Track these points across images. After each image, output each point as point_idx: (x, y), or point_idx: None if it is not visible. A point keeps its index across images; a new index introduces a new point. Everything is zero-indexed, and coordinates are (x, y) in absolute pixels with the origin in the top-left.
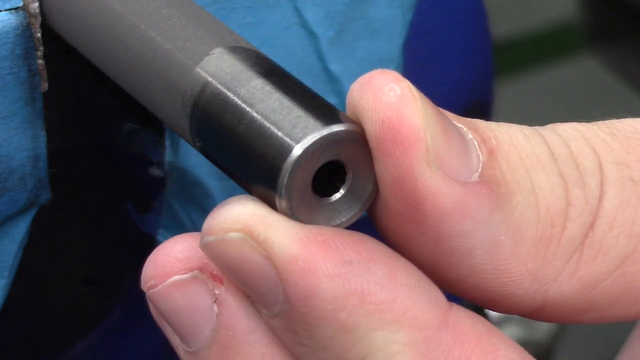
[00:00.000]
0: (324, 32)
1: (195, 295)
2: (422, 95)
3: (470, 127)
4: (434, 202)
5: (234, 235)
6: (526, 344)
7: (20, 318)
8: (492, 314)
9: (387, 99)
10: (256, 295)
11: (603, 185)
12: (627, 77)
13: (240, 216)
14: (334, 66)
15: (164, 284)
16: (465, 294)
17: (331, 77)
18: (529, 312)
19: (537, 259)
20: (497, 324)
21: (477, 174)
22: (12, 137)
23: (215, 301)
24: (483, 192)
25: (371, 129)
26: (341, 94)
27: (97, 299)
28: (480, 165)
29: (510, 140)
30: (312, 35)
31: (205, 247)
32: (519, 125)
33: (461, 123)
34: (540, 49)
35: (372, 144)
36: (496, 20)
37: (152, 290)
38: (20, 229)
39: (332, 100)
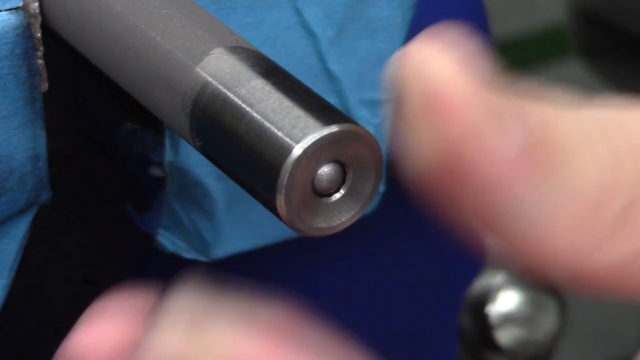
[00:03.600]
0: (324, 32)
1: None
2: (472, 65)
3: (516, 100)
4: (479, 174)
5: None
6: (526, 344)
7: (20, 318)
8: (493, 314)
9: (434, 68)
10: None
11: None
12: (616, 89)
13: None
14: (334, 66)
15: None
16: (505, 257)
17: (331, 77)
18: (566, 282)
19: (580, 230)
20: (498, 324)
21: (523, 148)
22: (12, 137)
23: None
24: (528, 166)
25: (417, 98)
26: (341, 94)
27: (97, 299)
28: (527, 139)
29: (559, 114)
30: (312, 35)
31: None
32: (566, 99)
33: (509, 96)
34: (540, 49)
35: (418, 114)
36: (496, 21)
37: None
38: (20, 229)
39: (332, 100)
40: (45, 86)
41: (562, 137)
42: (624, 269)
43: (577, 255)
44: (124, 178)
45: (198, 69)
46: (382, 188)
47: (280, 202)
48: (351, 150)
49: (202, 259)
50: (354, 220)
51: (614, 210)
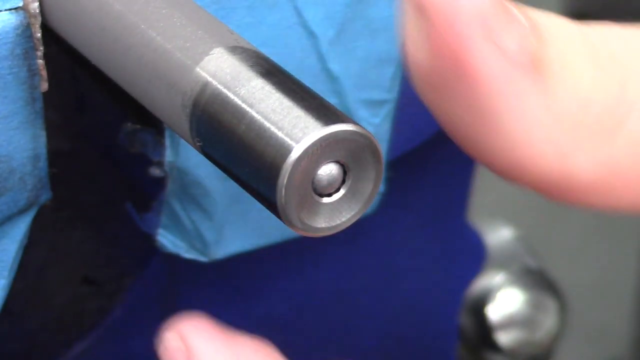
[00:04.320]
0: (324, 32)
1: None
2: None
3: (523, 12)
4: (481, 73)
5: None
6: (526, 344)
7: (20, 318)
8: (493, 314)
9: None
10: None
11: (628, 77)
12: None
13: None
14: (334, 66)
15: None
16: (487, 159)
17: (331, 77)
18: (544, 187)
19: (562, 132)
20: (498, 324)
21: (526, 56)
22: (12, 137)
23: None
24: (529, 72)
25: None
26: (341, 94)
27: (97, 299)
28: (531, 48)
29: (560, 30)
30: (312, 35)
31: None
32: (569, 20)
33: (516, 8)
34: None
35: (425, 13)
36: None
37: None
38: (20, 229)
39: (332, 100)
40: (45, 86)
41: (552, 39)
42: (607, 173)
43: (560, 156)
44: (124, 178)
45: (198, 69)
46: (382, 188)
47: (280, 202)
48: (351, 150)
49: (202, 259)
50: (354, 220)
51: (595, 115)
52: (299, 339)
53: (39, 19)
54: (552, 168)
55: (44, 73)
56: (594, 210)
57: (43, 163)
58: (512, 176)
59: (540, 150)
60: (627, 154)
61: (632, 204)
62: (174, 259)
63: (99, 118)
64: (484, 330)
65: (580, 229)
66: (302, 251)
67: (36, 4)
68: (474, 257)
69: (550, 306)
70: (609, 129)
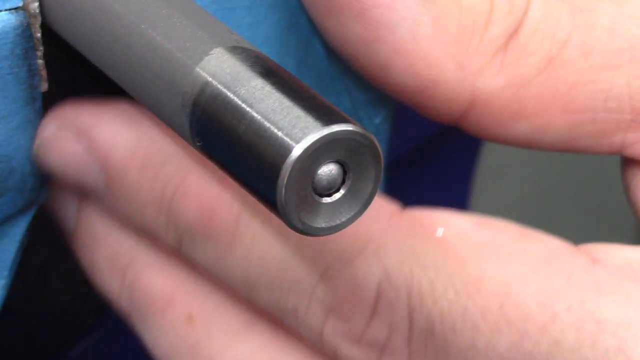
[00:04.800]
0: None
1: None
2: None
3: None
4: None
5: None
6: None
7: (20, 318)
8: None
9: None
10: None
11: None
12: None
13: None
14: (334, 66)
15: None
16: (398, 81)
17: (331, 77)
18: (462, 112)
19: (459, 48)
20: None
21: None
22: (12, 137)
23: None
24: None
25: None
26: (341, 94)
27: (97, 299)
28: None
29: None
30: (312, 35)
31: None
32: None
33: None
34: None
35: None
36: None
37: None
38: (20, 229)
39: (332, 100)
40: (45, 86)
41: None
42: (516, 93)
43: (464, 73)
44: None
45: (198, 69)
46: (382, 188)
47: (280, 202)
48: (351, 150)
49: None
50: (354, 220)
51: (491, 36)
52: None
53: (39, 19)
54: (461, 88)
55: (44, 73)
56: (591, 211)
57: None
58: (424, 105)
59: (442, 68)
60: (528, 68)
61: (559, 127)
62: None
63: None
64: None
65: (580, 229)
66: None
67: (36, 4)
68: None
69: None
70: (499, 40)
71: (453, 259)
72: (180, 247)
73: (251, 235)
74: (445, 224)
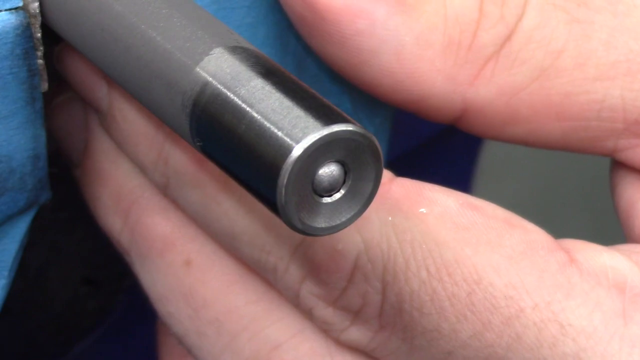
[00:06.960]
0: None
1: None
2: None
3: None
4: (325, 3)
5: None
6: None
7: (20, 318)
8: None
9: None
10: None
11: (525, 7)
12: None
13: None
14: None
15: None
16: (389, 97)
17: (331, 78)
18: (455, 118)
19: (446, 61)
20: None
21: None
22: (12, 137)
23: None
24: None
25: None
26: (341, 94)
27: (97, 299)
28: None
29: None
30: None
31: None
32: None
33: None
34: None
35: None
36: None
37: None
38: (20, 229)
39: (332, 100)
40: (45, 86)
41: None
42: (509, 101)
43: (454, 85)
44: None
45: (198, 69)
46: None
47: (281, 202)
48: (351, 150)
49: None
50: (354, 220)
51: (480, 44)
52: None
53: (39, 19)
54: (452, 99)
55: (44, 73)
56: (591, 211)
57: (43, 163)
58: (418, 113)
59: (430, 83)
60: (520, 77)
61: (552, 133)
62: None
63: None
64: None
65: (579, 229)
66: None
67: (36, 4)
68: None
69: None
70: (489, 49)
71: (432, 238)
72: (166, 188)
73: (240, 191)
74: (432, 201)
